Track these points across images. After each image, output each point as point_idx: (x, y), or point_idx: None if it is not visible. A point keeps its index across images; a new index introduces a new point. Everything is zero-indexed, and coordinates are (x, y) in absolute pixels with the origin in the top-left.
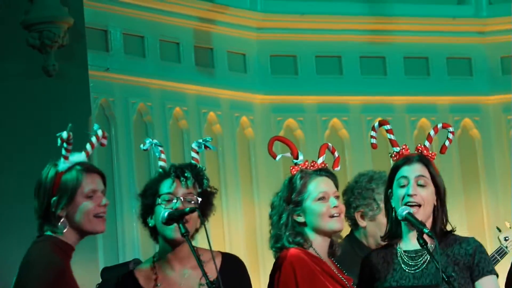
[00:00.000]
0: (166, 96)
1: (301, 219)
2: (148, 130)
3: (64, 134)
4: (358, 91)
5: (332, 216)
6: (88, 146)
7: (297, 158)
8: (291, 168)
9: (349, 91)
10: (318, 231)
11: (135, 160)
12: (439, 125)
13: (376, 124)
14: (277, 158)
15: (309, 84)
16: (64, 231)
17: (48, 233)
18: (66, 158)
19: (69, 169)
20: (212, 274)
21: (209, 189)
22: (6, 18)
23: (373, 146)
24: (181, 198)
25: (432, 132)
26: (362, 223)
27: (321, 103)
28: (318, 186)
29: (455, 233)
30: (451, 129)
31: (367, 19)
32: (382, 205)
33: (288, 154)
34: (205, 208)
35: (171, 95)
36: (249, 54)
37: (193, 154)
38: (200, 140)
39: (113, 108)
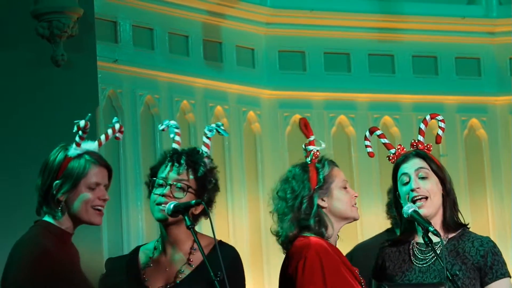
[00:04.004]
0: (174, 89)
1: (324, 203)
2: (155, 122)
3: (82, 123)
4: (366, 89)
5: (353, 205)
6: (102, 136)
7: (313, 145)
8: (313, 154)
9: (357, 89)
10: (340, 216)
11: (142, 152)
12: (427, 117)
13: (367, 133)
14: (311, 137)
15: (317, 80)
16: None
17: (46, 217)
18: (78, 145)
19: (79, 156)
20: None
21: (207, 176)
22: (15, 7)
23: (370, 154)
24: (170, 183)
25: (422, 126)
26: None
27: (329, 99)
28: (341, 175)
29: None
30: (440, 117)
31: (377, 17)
32: None
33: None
34: (200, 195)
35: (179, 88)
36: (257, 49)
37: (204, 139)
38: (213, 125)
39: (120, 99)
